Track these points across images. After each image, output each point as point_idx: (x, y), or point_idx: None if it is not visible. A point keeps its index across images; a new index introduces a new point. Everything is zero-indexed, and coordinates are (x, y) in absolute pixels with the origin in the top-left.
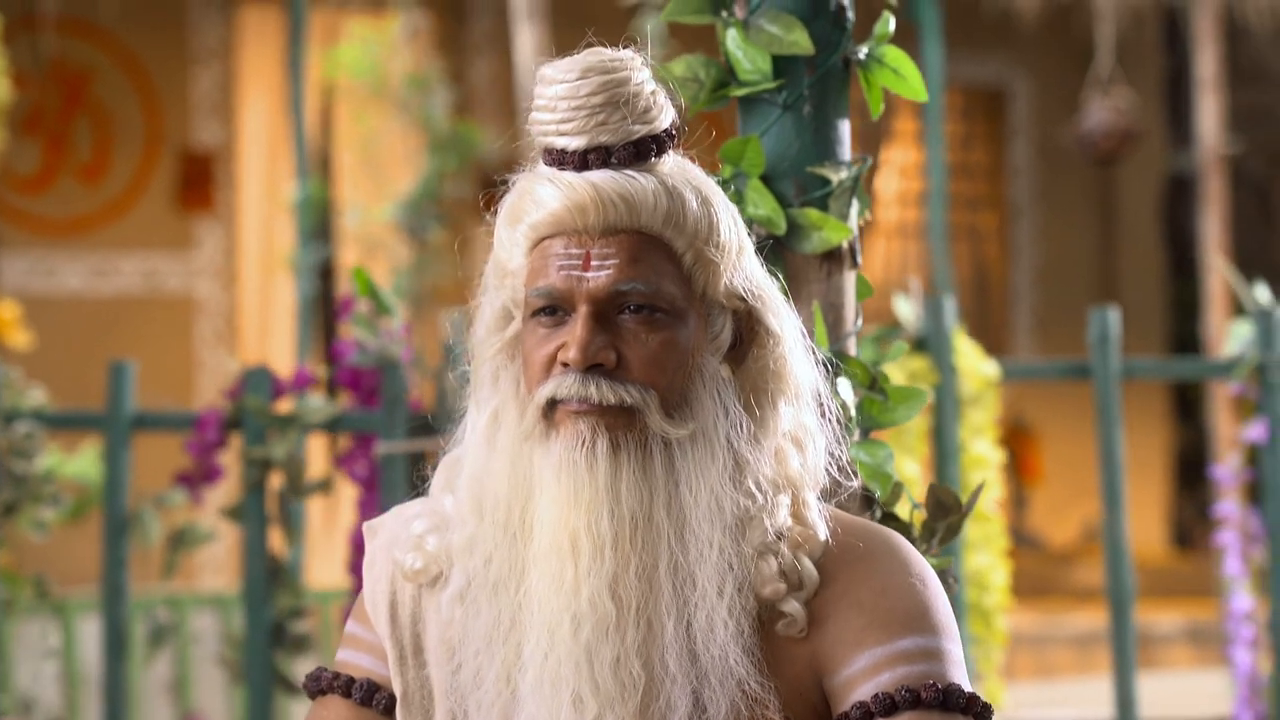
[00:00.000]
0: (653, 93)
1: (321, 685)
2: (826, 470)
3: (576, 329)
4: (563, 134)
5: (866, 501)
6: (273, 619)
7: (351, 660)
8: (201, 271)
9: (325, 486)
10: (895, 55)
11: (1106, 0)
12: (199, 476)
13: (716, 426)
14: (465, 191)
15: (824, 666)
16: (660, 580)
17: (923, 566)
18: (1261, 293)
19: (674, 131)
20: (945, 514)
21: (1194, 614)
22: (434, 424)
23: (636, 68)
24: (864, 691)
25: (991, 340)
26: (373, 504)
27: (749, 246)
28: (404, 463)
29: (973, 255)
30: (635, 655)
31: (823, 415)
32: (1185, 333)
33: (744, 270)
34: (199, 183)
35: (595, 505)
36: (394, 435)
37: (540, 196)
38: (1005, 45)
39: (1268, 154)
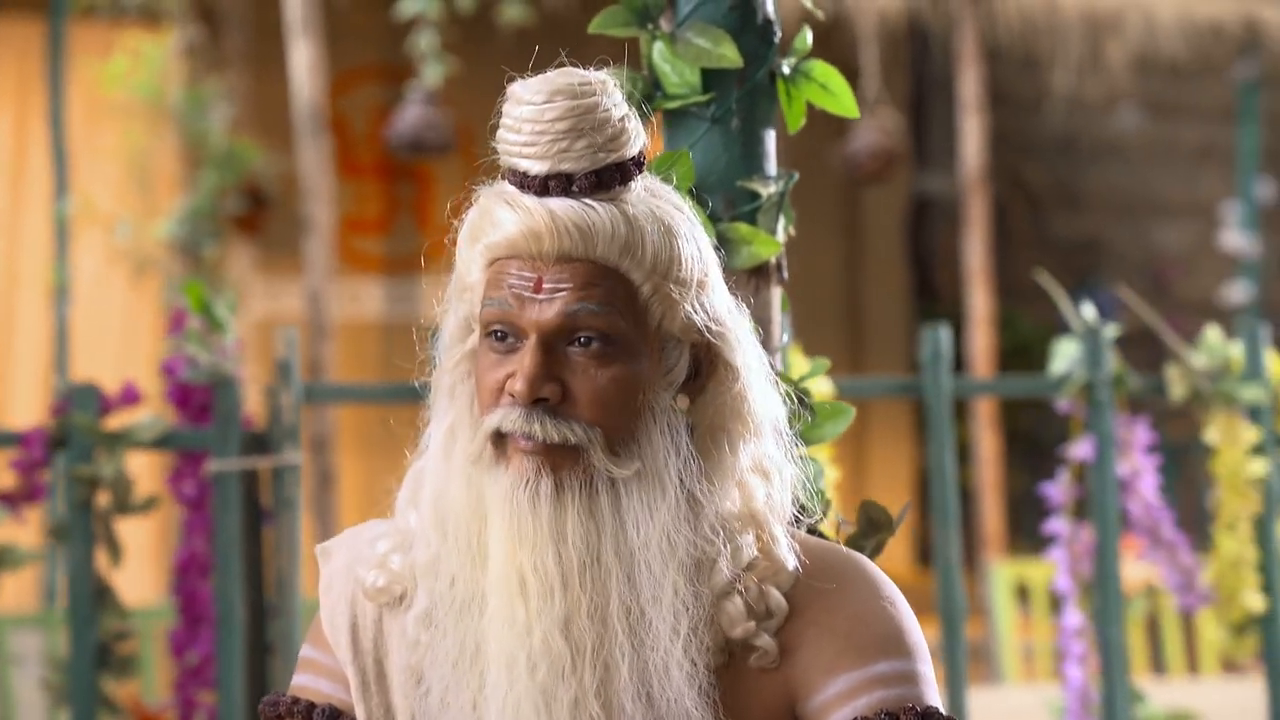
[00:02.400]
0: (622, 119)
1: (279, 711)
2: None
3: (525, 360)
4: (525, 157)
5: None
6: (97, 640)
7: (310, 685)
8: None
9: (151, 505)
10: (824, 70)
11: (869, 21)
12: (21, 495)
13: (667, 465)
14: (239, 208)
15: (797, 693)
16: (613, 621)
17: (891, 589)
18: (1089, 311)
19: (642, 159)
20: (875, 530)
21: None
22: (268, 442)
23: (607, 92)
24: (841, 717)
25: None
26: (200, 524)
27: (714, 278)
28: (237, 481)
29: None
30: (594, 697)
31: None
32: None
33: (705, 303)
34: None
35: (540, 545)
36: (227, 453)
37: (498, 218)
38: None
39: (1009, 177)
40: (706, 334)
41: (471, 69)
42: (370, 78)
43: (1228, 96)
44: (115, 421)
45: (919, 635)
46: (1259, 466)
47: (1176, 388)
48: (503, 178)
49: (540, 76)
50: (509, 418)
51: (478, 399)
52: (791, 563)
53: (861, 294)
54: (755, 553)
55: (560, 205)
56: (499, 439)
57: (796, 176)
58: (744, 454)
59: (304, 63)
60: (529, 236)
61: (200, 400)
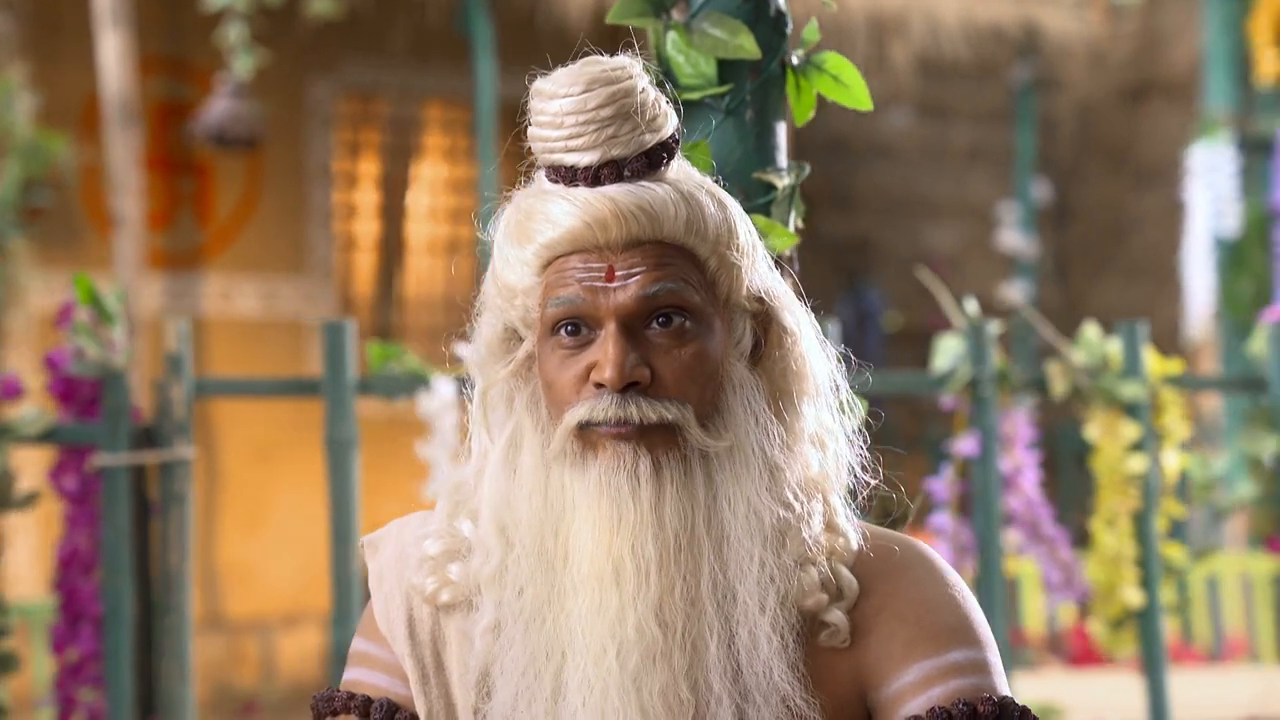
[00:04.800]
0: (656, 99)
1: (335, 706)
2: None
3: (608, 347)
4: (572, 150)
5: None
6: None
7: (366, 679)
8: None
9: (33, 500)
10: (836, 61)
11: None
12: None
13: (749, 435)
14: (42, 200)
15: (868, 680)
16: (703, 599)
17: (956, 577)
18: (971, 307)
19: (679, 136)
20: (891, 523)
21: None
22: (156, 436)
23: (639, 74)
24: (916, 705)
25: None
26: (83, 519)
27: (761, 246)
28: (125, 475)
29: None
30: (683, 679)
31: (841, 410)
32: None
33: (760, 271)
34: None
35: (640, 529)
36: (116, 447)
37: (553, 214)
38: (558, 61)
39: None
40: (766, 299)
41: (273, 63)
42: (154, 70)
43: (999, 99)
44: None
45: (986, 625)
46: (1138, 463)
47: (1057, 384)
48: (539, 178)
49: (566, 70)
50: (598, 408)
51: (547, 400)
52: (855, 539)
53: None
54: (822, 522)
55: (618, 191)
56: (582, 433)
57: (808, 169)
58: (809, 417)
59: (113, 53)
60: (594, 226)
61: (85, 394)
